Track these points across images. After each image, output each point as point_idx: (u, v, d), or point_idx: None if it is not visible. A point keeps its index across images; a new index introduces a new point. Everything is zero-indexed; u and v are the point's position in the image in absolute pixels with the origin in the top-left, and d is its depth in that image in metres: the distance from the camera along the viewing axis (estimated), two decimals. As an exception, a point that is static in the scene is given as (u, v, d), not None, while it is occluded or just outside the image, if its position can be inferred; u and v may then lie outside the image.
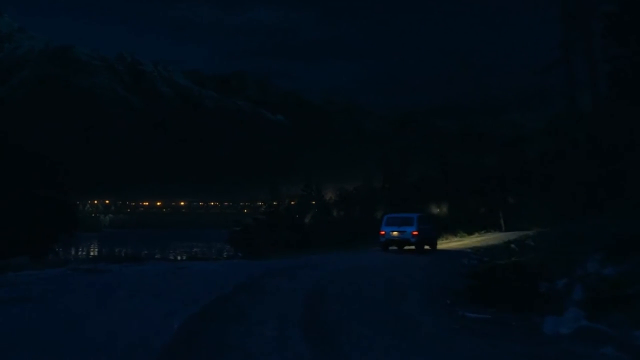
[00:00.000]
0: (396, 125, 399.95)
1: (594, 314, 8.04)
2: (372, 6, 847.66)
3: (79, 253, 65.70)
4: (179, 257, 57.51)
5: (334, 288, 11.80)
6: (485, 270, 15.56)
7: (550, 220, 42.45)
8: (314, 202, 67.09)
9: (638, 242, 11.24)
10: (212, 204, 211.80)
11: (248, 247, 47.06)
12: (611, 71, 33.24)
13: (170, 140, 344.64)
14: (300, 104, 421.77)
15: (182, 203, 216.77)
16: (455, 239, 41.29)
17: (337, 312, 8.94)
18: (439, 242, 31.74)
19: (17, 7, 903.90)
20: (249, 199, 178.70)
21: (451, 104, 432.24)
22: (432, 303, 10.68)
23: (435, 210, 58.55)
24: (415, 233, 26.06)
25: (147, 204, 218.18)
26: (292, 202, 69.92)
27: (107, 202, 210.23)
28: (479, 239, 41.99)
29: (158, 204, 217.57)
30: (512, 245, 25.22)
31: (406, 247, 27.12)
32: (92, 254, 69.82)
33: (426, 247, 27.49)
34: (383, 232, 27.08)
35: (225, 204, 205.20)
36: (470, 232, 49.30)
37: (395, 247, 27.31)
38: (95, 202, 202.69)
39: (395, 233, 26.51)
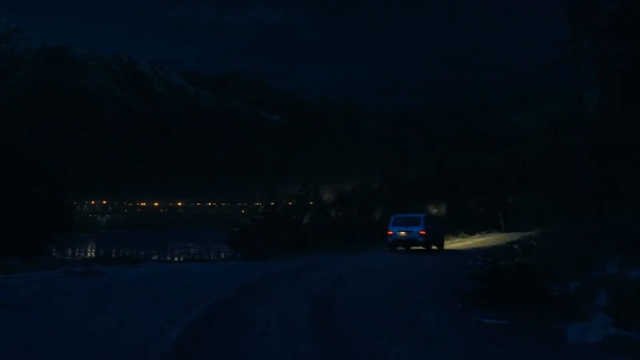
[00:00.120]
0: (394, 126, 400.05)
1: (622, 320, 7.51)
2: (370, 6, 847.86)
3: (76, 254, 65.10)
4: (176, 259, 57.03)
5: (340, 292, 11.19)
6: (492, 272, 15.09)
7: (551, 221, 42.10)
8: (311, 203, 66.62)
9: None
10: (210, 204, 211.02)
11: (247, 248, 46.51)
12: (613, 70, 32.91)
13: (167, 140, 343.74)
14: (298, 104, 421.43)
15: (179, 203, 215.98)
16: (457, 239, 40.83)
17: (347, 319, 8.35)
18: None
19: (14, 7, 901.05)
20: (247, 200, 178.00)
21: (449, 104, 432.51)
22: (444, 308, 10.11)
23: (434, 210, 58.11)
24: (423, 233, 26.19)
25: (144, 204, 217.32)
26: (290, 203, 69.45)
27: (104, 202, 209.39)
28: (480, 239, 41.55)
29: (155, 204, 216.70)
30: (515, 246, 24.79)
31: (413, 247, 27.16)
32: (89, 254, 69.27)
33: (433, 247, 27.57)
34: (391, 232, 27.14)
35: (223, 204, 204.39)
36: (471, 233, 48.86)
37: (402, 247, 27.33)
38: (93, 202, 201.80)
39: (402, 233, 26.60)
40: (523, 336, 7.88)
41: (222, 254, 53.52)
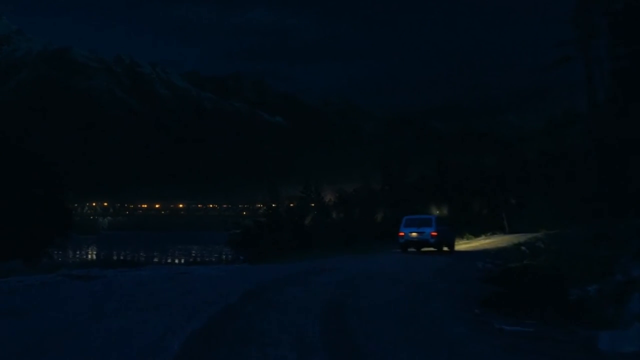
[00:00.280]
0: (394, 126, 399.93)
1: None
2: (370, 6, 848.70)
3: (77, 255, 64.74)
4: (177, 261, 56.64)
5: (352, 297, 10.62)
6: (505, 275, 14.61)
7: (556, 222, 41.58)
8: (313, 204, 66.19)
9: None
10: (211, 206, 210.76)
11: (249, 250, 46.07)
12: (615, 70, 32.49)
13: (168, 142, 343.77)
14: (298, 105, 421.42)
15: (180, 205, 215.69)
16: (463, 241, 40.32)
17: (361, 328, 7.81)
18: None
19: (15, 9, 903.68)
20: (248, 201, 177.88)
21: (449, 104, 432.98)
22: (462, 314, 9.56)
23: (436, 212, 57.61)
24: (435, 234, 26.37)
25: (145, 206, 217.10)
26: (291, 204, 69.05)
27: (105, 204, 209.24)
28: (486, 241, 41.06)
29: (156, 206, 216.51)
30: (523, 248, 24.40)
31: (424, 249, 27.23)
32: (90, 257, 68.97)
33: (445, 248, 27.70)
34: (402, 234, 27.28)
35: (224, 206, 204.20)
36: (476, 235, 48.41)
37: (413, 249, 27.48)
38: (94, 204, 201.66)
39: (414, 234, 26.81)
40: (550, 345, 7.37)
41: (224, 256, 53.17)
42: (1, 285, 12.13)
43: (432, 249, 26.80)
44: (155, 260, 58.71)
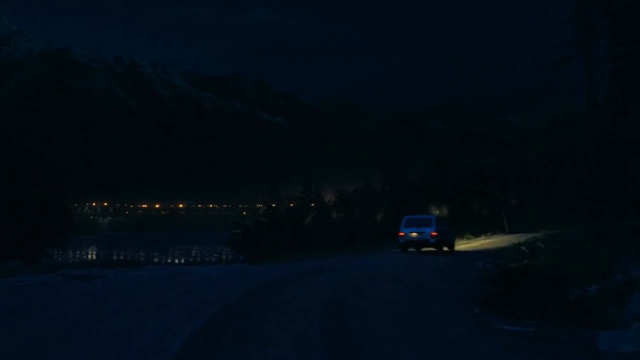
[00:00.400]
0: (394, 126, 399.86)
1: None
2: (370, 6, 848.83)
3: (77, 255, 64.73)
4: (177, 261, 56.62)
5: (353, 297, 10.58)
6: (505, 275, 14.56)
7: (556, 222, 41.53)
8: (313, 204, 66.19)
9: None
10: (211, 206, 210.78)
11: (249, 250, 46.05)
12: (615, 70, 32.43)
13: (168, 142, 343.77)
14: (298, 105, 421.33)
15: (180, 205, 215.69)
16: (463, 241, 40.30)
17: (362, 328, 7.79)
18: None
19: (16, 10, 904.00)
20: (248, 201, 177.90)
21: (449, 104, 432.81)
22: (462, 314, 9.54)
23: (436, 211, 57.59)
24: (435, 234, 26.45)
25: (145, 206, 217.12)
26: (291, 204, 69.07)
27: (105, 204, 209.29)
28: (486, 241, 41.04)
29: (157, 206, 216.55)
30: (523, 248, 24.40)
31: (424, 249, 27.32)
32: (90, 256, 68.97)
33: (445, 248, 27.79)
34: (402, 234, 27.36)
35: (224, 206, 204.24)
36: (476, 234, 48.40)
37: (414, 249, 27.61)
38: (94, 204, 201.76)
39: (414, 234, 26.90)
40: (550, 345, 7.35)
41: (224, 256, 53.16)
42: (1, 285, 12.11)
43: (432, 249, 26.86)
44: (155, 260, 58.71)
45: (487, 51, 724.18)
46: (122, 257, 61.52)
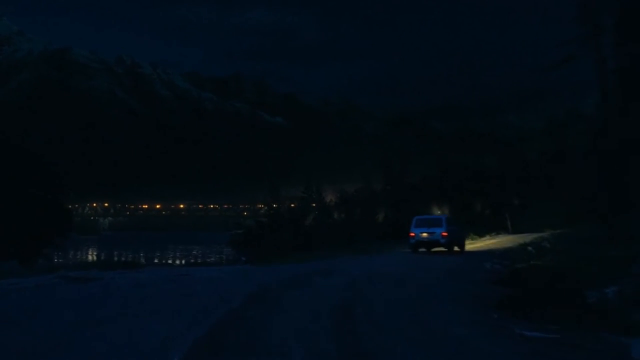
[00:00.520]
0: (394, 126, 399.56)
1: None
2: (370, 6, 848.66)
3: (77, 256, 64.54)
4: (177, 262, 56.46)
5: (361, 302, 10.07)
6: (515, 276, 14.19)
7: (560, 222, 41.35)
8: (314, 205, 66.08)
9: None
10: (212, 206, 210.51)
11: (251, 250, 45.92)
12: (619, 69, 32.21)
13: (169, 142, 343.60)
14: (299, 106, 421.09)
15: (181, 205, 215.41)
16: (467, 241, 40.09)
17: (374, 335, 7.31)
18: None
19: (16, 10, 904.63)
20: (249, 201, 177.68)
21: (449, 104, 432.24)
22: (479, 318, 9.11)
23: (437, 212, 57.44)
24: (445, 234, 26.44)
25: (146, 206, 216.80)
26: (292, 205, 68.93)
27: (106, 204, 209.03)
28: (492, 241, 40.72)
29: (157, 206, 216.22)
30: (529, 248, 24.18)
31: (434, 249, 27.33)
32: (90, 257, 68.84)
33: (455, 248, 27.81)
34: (413, 234, 27.43)
35: (225, 206, 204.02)
36: (481, 235, 48.24)
37: (424, 249, 27.66)
38: (95, 204, 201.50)
39: (425, 234, 26.93)
40: (579, 353, 6.91)
41: (225, 257, 53.04)
42: (-6, 287, 11.66)
43: (443, 249, 26.84)
44: (156, 261, 58.56)
45: (487, 51, 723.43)
46: (122, 258, 61.34)
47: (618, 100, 29.47)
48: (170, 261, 59.36)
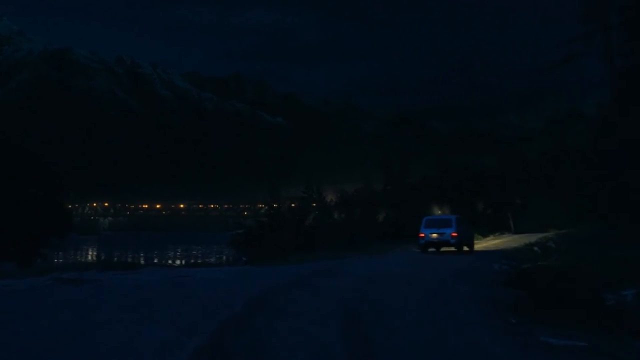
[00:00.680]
0: (394, 126, 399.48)
1: None
2: (370, 7, 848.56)
3: (76, 256, 64.28)
4: (177, 262, 56.20)
5: (371, 307, 9.53)
6: (525, 278, 13.84)
7: (563, 222, 41.17)
8: (314, 204, 65.89)
9: None
10: (212, 206, 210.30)
11: (252, 250, 45.62)
12: (623, 67, 31.94)
13: (169, 142, 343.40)
14: (299, 106, 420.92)
15: (181, 205, 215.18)
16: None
17: (390, 345, 6.80)
18: None
19: (16, 10, 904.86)
20: (249, 201, 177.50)
21: (449, 104, 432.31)
22: (497, 324, 8.63)
23: (438, 212, 57.25)
24: (455, 234, 26.45)
25: (146, 206, 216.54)
26: (292, 205, 68.71)
27: (106, 204, 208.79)
28: (496, 241, 40.45)
29: (157, 206, 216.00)
30: (535, 248, 23.98)
31: (443, 249, 27.40)
32: (90, 257, 68.61)
33: (465, 248, 27.85)
34: (422, 235, 27.48)
35: (225, 206, 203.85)
36: (485, 235, 48.09)
37: (433, 249, 27.76)
38: (95, 204, 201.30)
39: (434, 235, 26.97)
40: None
41: (226, 257, 52.77)
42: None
43: (452, 249, 26.91)
44: (155, 261, 58.31)
45: (487, 51, 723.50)
46: (121, 259, 61.07)
47: (625, 98, 29.22)
48: (170, 261, 59.09)
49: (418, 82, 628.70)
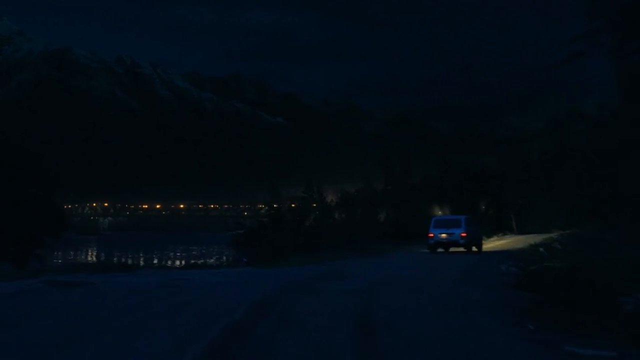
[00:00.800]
0: (395, 126, 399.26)
1: None
2: (370, 7, 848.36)
3: (73, 257, 63.80)
4: (177, 263, 55.76)
5: (382, 312, 8.95)
6: (535, 280, 13.42)
7: (566, 223, 40.90)
8: (315, 205, 65.56)
9: None
10: (212, 206, 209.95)
11: (252, 251, 45.20)
12: (624, 67, 31.56)
13: (169, 142, 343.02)
14: (299, 106, 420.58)
15: (181, 205, 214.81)
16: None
17: (402, 353, 6.29)
18: None
19: (16, 10, 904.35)
20: (249, 201, 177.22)
21: (449, 104, 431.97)
22: (515, 330, 8.09)
23: (439, 212, 56.95)
24: (464, 235, 26.52)
25: (146, 206, 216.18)
26: (293, 205, 68.37)
27: (106, 204, 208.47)
28: (500, 242, 40.02)
29: (157, 206, 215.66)
30: (541, 249, 23.70)
31: (451, 249, 27.44)
32: (88, 258, 68.20)
33: (474, 248, 27.82)
34: (432, 234, 27.54)
35: (225, 206, 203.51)
36: (488, 235, 47.81)
37: (442, 249, 27.81)
38: (94, 204, 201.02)
39: (444, 235, 27.05)
40: None
41: (226, 258, 52.34)
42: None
43: (461, 249, 26.89)
44: (155, 261, 57.89)
45: (487, 51, 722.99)
46: (119, 260, 60.65)
47: (632, 97, 28.85)
48: (169, 262, 58.67)
49: (418, 82, 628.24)
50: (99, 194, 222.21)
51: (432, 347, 6.67)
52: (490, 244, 36.79)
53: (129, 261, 56.13)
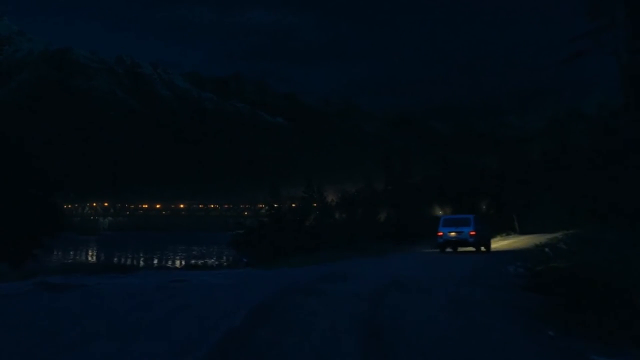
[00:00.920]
0: (395, 126, 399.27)
1: None
2: (370, 7, 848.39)
3: (71, 257, 63.51)
4: (178, 263, 55.48)
5: (389, 317, 8.49)
6: (544, 282, 13.08)
7: (569, 223, 40.52)
8: (315, 205, 65.36)
9: None
10: (212, 206, 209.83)
11: (252, 251, 44.93)
12: (629, 65, 31.26)
13: (169, 142, 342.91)
14: (299, 106, 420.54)
15: (181, 205, 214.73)
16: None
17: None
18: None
19: (16, 10, 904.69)
20: (249, 201, 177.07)
21: (449, 104, 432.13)
22: (534, 337, 7.71)
23: (439, 212, 56.72)
24: (473, 233, 26.36)
25: (146, 206, 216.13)
26: (293, 205, 68.15)
27: (106, 204, 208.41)
28: (504, 242, 39.68)
29: (157, 206, 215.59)
30: (546, 250, 23.36)
31: (460, 249, 27.33)
32: (85, 258, 67.92)
33: (482, 248, 27.66)
34: (441, 233, 27.33)
35: (225, 206, 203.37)
36: (492, 236, 47.62)
37: (450, 249, 27.68)
38: (94, 204, 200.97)
39: (452, 234, 26.88)
40: None
41: (226, 258, 52.10)
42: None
43: (470, 248, 26.75)
44: (155, 262, 57.61)
45: (487, 51, 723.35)
46: (118, 260, 60.36)
47: (636, 95, 28.56)
48: (169, 262, 58.39)
49: (418, 82, 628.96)
50: (99, 194, 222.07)
51: (447, 356, 6.29)
52: (495, 244, 36.48)
53: (128, 261, 55.87)
